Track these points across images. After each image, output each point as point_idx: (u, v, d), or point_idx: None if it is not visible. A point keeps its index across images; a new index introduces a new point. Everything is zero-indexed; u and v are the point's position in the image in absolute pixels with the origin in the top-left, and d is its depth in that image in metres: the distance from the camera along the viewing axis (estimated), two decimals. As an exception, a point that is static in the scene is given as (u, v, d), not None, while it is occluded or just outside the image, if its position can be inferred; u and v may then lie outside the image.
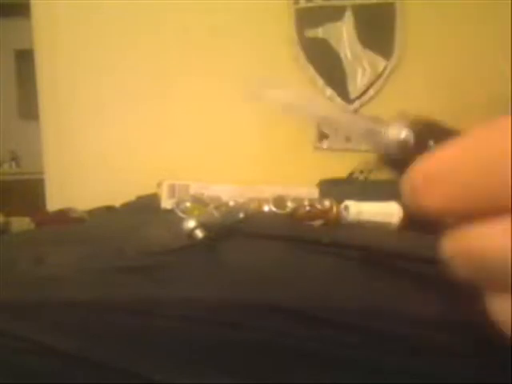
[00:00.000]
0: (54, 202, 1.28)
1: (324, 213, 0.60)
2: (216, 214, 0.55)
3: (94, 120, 1.31)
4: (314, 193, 0.75)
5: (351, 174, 1.05)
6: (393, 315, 0.33)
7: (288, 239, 0.49)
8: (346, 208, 0.60)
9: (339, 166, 1.05)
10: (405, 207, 0.57)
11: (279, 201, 0.63)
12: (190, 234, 0.47)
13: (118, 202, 1.00)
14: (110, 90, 1.30)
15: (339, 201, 0.61)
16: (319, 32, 1.28)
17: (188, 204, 0.67)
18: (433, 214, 0.17)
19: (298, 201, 0.62)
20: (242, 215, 0.56)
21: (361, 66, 1.28)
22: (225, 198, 0.69)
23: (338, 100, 1.25)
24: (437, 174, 0.17)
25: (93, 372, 0.33)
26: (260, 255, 0.45)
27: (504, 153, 0.15)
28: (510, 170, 0.15)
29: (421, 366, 0.31)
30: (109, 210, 0.97)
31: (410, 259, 0.40)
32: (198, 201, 0.68)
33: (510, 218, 0.15)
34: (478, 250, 0.16)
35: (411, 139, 0.21)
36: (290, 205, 0.63)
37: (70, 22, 1.31)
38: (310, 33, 1.27)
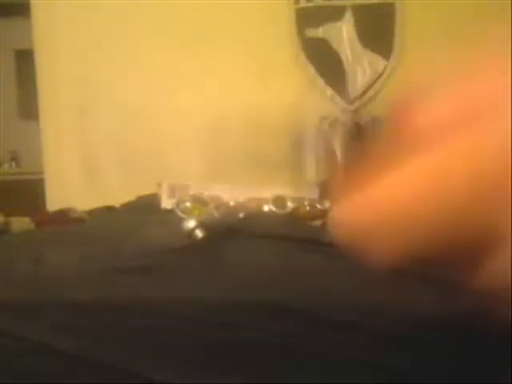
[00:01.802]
0: (54, 201, 1.28)
1: (324, 213, 0.61)
2: (216, 213, 0.55)
3: (94, 120, 1.31)
4: (314, 193, 0.75)
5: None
6: (393, 315, 0.33)
7: (288, 239, 0.49)
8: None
9: (339, 166, 1.05)
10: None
11: (279, 201, 0.63)
12: (190, 234, 0.47)
13: (117, 202, 1.00)
14: (110, 90, 1.30)
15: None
16: (319, 32, 1.27)
17: (188, 204, 0.67)
18: (386, 263, 0.15)
19: (297, 201, 0.62)
20: (241, 215, 0.56)
21: (361, 66, 1.27)
22: (225, 197, 0.69)
23: (338, 100, 1.25)
24: (385, 219, 0.15)
25: (93, 372, 0.33)
26: (260, 255, 0.45)
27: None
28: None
29: (421, 366, 0.31)
30: (109, 210, 0.97)
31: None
32: (198, 201, 0.68)
33: None
34: None
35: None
36: (289, 205, 0.62)
37: (70, 22, 1.31)
38: (310, 33, 1.27)
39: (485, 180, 0.13)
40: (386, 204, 0.15)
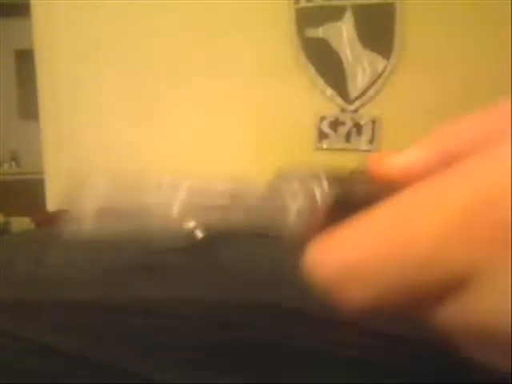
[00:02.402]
0: (54, 201, 1.28)
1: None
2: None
3: (94, 120, 1.30)
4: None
5: (351, 174, 1.04)
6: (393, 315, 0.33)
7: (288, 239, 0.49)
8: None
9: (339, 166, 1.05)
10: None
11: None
12: (190, 234, 0.47)
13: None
14: (111, 90, 1.30)
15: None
16: (319, 32, 1.27)
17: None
18: (358, 311, 0.15)
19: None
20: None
21: (361, 66, 1.27)
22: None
23: (338, 100, 1.25)
24: (356, 268, 0.15)
25: (93, 372, 0.33)
26: (260, 255, 0.45)
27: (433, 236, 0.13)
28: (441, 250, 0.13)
29: (421, 366, 0.31)
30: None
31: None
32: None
33: None
34: None
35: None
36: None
37: (70, 22, 1.31)
38: (310, 33, 1.27)
39: (451, 227, 0.13)
40: (357, 249, 0.15)
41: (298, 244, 0.16)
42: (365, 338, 0.32)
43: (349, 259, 0.15)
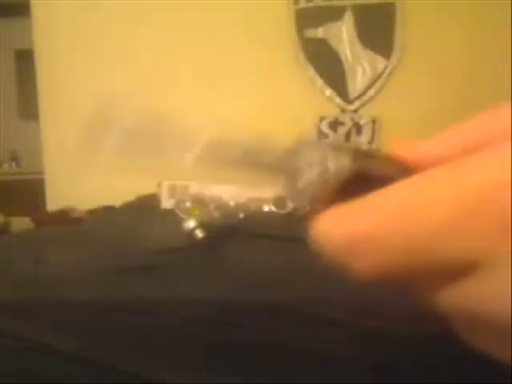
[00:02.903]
0: (54, 202, 1.28)
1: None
2: (216, 213, 0.55)
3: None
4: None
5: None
6: (393, 315, 0.33)
7: (288, 239, 0.49)
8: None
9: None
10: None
11: (279, 201, 0.63)
12: (190, 234, 0.47)
13: (117, 202, 1.00)
14: (111, 90, 1.30)
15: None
16: (319, 32, 1.27)
17: (188, 204, 0.67)
18: (367, 279, 0.15)
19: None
20: (241, 215, 0.56)
21: (361, 66, 1.27)
22: (225, 197, 0.69)
23: (338, 100, 1.25)
24: (363, 242, 0.15)
25: (93, 372, 0.33)
26: (260, 255, 0.45)
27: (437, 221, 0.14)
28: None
29: (420, 366, 0.31)
30: (109, 210, 0.97)
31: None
32: (198, 201, 0.68)
33: None
34: None
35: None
36: (289, 205, 0.62)
37: (70, 22, 1.31)
38: (310, 33, 1.27)
39: (462, 210, 0.14)
40: (369, 221, 0.15)
41: (306, 215, 0.17)
42: (364, 338, 0.32)
43: (359, 231, 0.15)
